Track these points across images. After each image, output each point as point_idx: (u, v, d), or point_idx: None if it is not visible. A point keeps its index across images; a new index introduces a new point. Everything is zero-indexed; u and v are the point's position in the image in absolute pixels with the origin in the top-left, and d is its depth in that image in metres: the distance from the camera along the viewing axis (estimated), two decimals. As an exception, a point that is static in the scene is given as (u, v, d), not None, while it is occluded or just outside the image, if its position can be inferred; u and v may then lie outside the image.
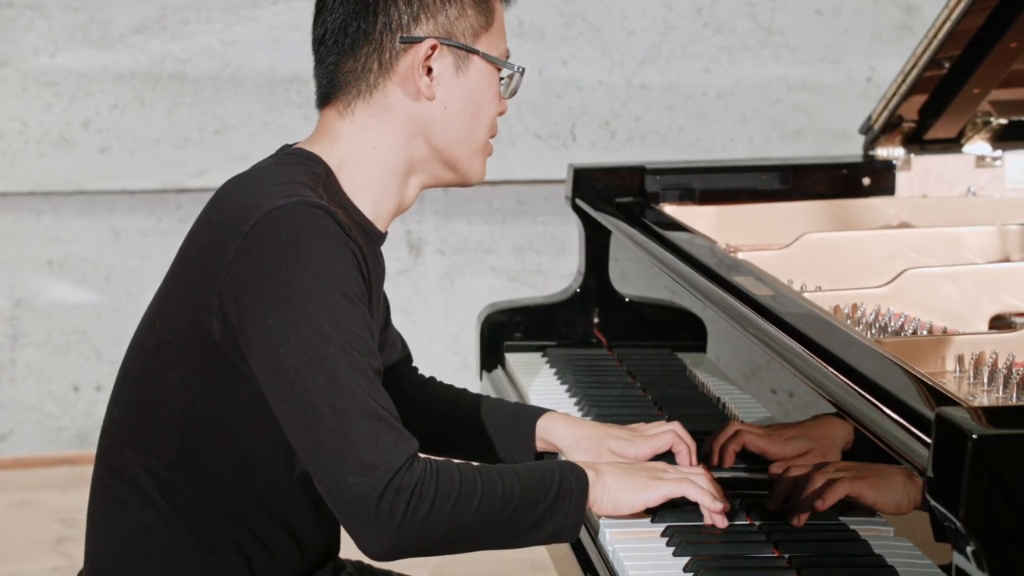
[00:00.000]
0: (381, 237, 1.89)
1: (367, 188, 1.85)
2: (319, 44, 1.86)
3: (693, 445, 1.97)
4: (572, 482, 1.75)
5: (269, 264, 1.72)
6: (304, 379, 1.68)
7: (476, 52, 1.85)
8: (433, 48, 1.82)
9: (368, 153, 1.85)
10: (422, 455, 1.71)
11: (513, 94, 1.91)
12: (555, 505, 1.73)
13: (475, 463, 1.75)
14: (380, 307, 1.96)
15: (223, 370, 1.77)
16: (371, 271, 1.82)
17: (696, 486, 1.80)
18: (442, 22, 1.83)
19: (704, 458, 2.00)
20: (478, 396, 2.13)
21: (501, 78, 1.89)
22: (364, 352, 1.70)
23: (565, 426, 2.02)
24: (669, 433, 1.98)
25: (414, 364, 2.20)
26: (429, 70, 1.83)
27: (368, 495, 1.65)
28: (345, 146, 1.85)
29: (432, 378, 2.18)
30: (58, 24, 4.18)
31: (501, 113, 1.92)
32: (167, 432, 1.81)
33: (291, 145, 1.89)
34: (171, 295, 1.83)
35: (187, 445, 1.80)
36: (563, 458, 2.03)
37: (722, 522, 1.79)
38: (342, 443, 1.66)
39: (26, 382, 4.34)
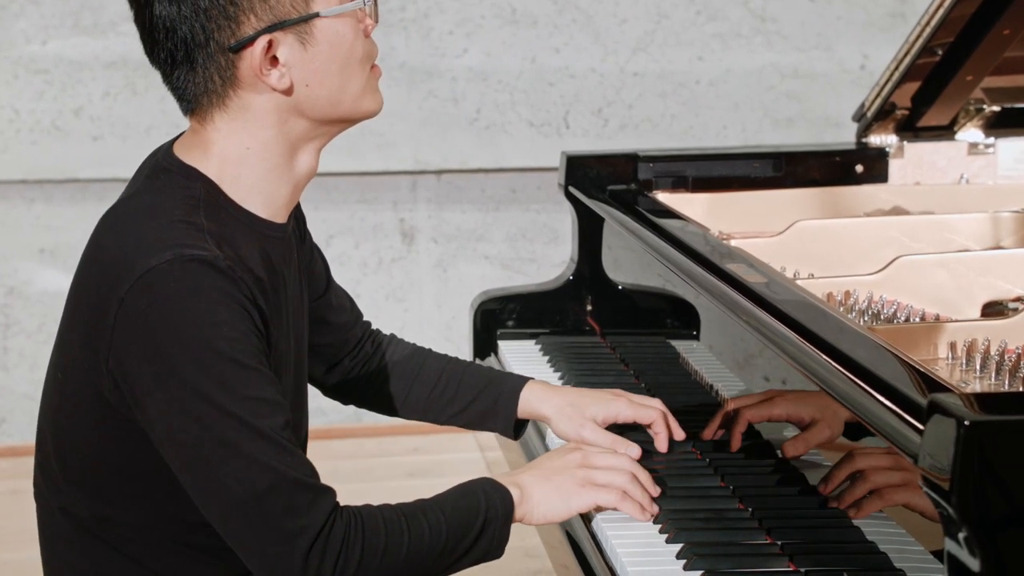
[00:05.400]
0: (281, 229, 1.77)
1: (254, 189, 1.73)
2: (151, 55, 1.72)
3: (679, 434, 2.00)
4: (497, 505, 1.74)
5: (148, 337, 1.61)
6: (205, 455, 1.60)
7: (315, 15, 1.69)
8: (269, 42, 1.67)
9: (244, 155, 1.72)
10: (343, 504, 1.66)
11: (377, 19, 1.75)
12: (483, 532, 1.72)
13: (396, 504, 1.70)
14: (297, 304, 1.85)
15: (127, 425, 1.69)
16: (269, 303, 1.71)
17: (628, 500, 1.81)
18: (264, 9, 1.67)
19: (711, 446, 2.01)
20: (448, 358, 2.09)
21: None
22: (265, 415, 1.61)
23: (548, 396, 2.02)
24: (657, 411, 2.00)
25: (366, 320, 2.14)
26: (274, 59, 1.68)
27: (293, 564, 1.61)
28: (219, 153, 1.72)
29: (394, 335, 2.13)
30: (49, 11, 4.17)
31: (370, 33, 1.75)
32: (85, 484, 1.74)
33: (171, 146, 1.77)
34: (66, 348, 1.74)
35: (108, 494, 1.74)
36: (548, 429, 2.04)
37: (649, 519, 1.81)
38: (256, 515, 1.60)
39: (18, 370, 4.34)
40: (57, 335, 1.78)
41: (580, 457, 1.84)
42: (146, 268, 1.62)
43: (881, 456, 1.71)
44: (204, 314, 1.61)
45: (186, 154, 1.75)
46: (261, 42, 1.67)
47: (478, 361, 2.69)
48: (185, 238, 1.64)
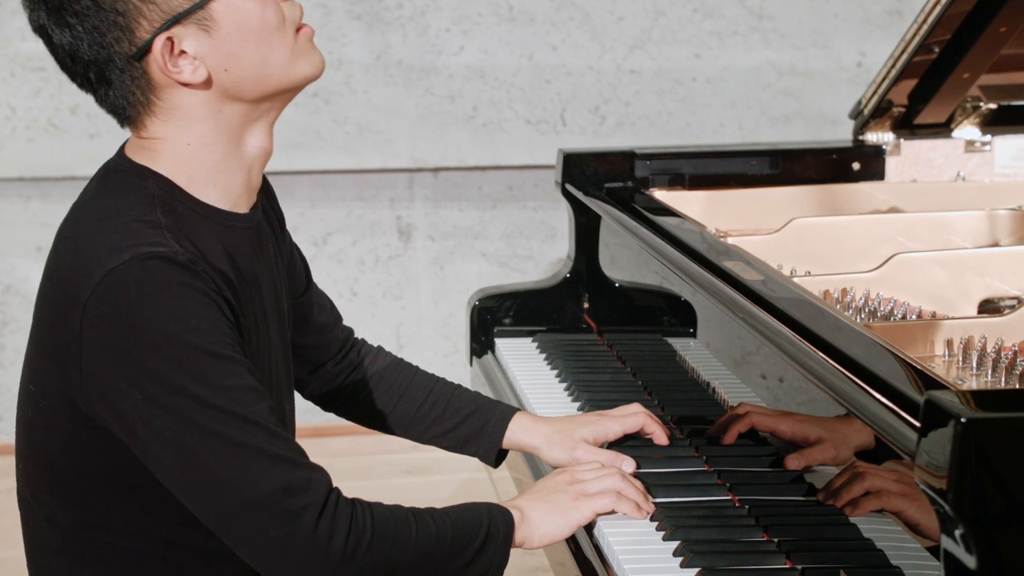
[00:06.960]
0: (246, 219, 1.75)
1: (208, 182, 1.71)
2: (76, 83, 1.71)
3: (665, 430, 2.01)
4: (499, 523, 1.74)
5: (116, 339, 1.59)
6: (193, 449, 1.58)
7: (208, 0, 1.65)
8: (169, 40, 1.65)
9: (189, 152, 1.70)
10: (353, 498, 1.65)
11: None
12: (485, 546, 1.72)
13: (404, 506, 1.70)
14: (274, 294, 1.83)
15: (102, 433, 1.66)
16: (236, 294, 1.69)
17: (624, 499, 1.82)
18: (153, 10, 1.64)
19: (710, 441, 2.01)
20: (436, 378, 2.09)
21: None
22: (248, 401, 1.60)
23: (535, 426, 2.02)
24: (641, 415, 2.00)
25: (349, 327, 2.13)
26: (183, 52, 1.65)
27: (300, 543, 1.59)
28: (164, 152, 1.70)
29: (381, 347, 2.12)
30: (46, 9, 4.17)
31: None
32: (66, 493, 1.73)
33: (122, 148, 1.75)
34: (36, 361, 1.72)
35: (89, 501, 1.72)
36: (539, 458, 2.04)
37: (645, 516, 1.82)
38: (254, 502, 1.58)
39: (15, 368, 4.33)
40: (27, 348, 1.76)
41: (569, 476, 1.86)
42: (105, 272, 1.59)
43: (883, 468, 1.72)
44: (170, 310, 1.59)
45: (136, 155, 1.73)
46: (159, 42, 1.64)
47: (475, 359, 2.70)
48: (141, 237, 1.62)
